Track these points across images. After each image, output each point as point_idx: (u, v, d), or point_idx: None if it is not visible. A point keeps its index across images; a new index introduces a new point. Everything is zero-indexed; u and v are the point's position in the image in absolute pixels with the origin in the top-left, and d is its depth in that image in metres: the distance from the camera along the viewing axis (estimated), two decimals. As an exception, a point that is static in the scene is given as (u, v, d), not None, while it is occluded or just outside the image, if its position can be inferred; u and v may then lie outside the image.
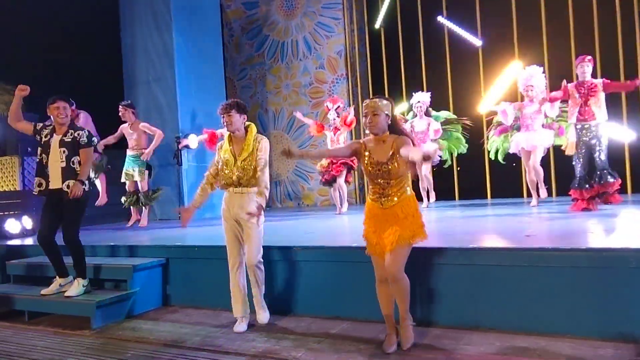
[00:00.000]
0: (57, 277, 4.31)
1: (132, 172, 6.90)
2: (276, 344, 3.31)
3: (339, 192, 7.39)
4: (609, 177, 5.30)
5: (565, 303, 3.07)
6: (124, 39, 9.08)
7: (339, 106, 7.43)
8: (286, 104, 10.36)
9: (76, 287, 4.17)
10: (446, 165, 7.56)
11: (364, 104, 3.07)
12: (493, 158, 6.96)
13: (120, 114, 6.94)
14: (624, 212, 5.20)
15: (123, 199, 7.06)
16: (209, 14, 9.64)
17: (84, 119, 6.70)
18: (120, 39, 9.11)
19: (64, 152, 4.13)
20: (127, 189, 7.02)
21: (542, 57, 8.34)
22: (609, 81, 5.52)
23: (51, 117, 4.22)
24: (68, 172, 4.11)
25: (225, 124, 3.65)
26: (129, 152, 6.99)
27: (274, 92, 10.49)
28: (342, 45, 9.88)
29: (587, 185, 5.38)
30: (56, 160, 4.13)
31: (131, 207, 7.05)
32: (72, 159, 4.14)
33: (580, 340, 2.96)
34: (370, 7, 10.05)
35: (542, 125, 6.24)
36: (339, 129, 7.26)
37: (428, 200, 7.43)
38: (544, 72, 6.36)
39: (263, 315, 3.71)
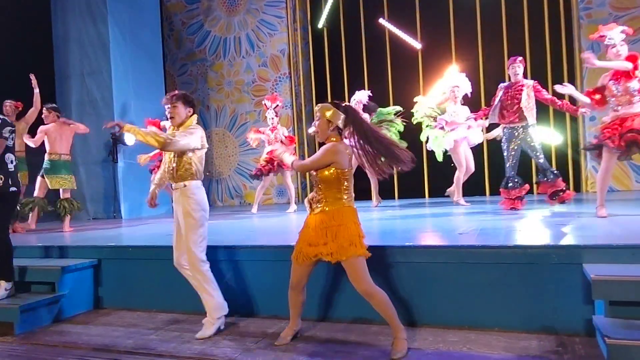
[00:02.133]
0: None
1: (66, 179, 6.21)
2: (212, 345, 3.25)
3: (287, 192, 7.55)
4: (552, 176, 5.39)
5: (493, 298, 3.21)
6: (56, 28, 8.65)
7: (277, 105, 7.46)
8: (228, 102, 10.23)
9: (-2, 291, 3.92)
10: None
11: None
12: (440, 159, 7.13)
13: (43, 116, 6.23)
14: (548, 211, 5.50)
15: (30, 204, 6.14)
16: (148, 6, 9.38)
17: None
18: (52, 28, 8.66)
19: None
20: (38, 194, 6.18)
21: (477, 61, 8.72)
22: (539, 88, 5.52)
23: None
24: None
25: (169, 115, 3.54)
26: (64, 157, 6.24)
27: (216, 89, 10.33)
28: (285, 43, 9.88)
29: (512, 185, 5.61)
30: None
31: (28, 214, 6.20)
32: None
33: (507, 333, 3.11)
34: (314, 6, 10.11)
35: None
36: (277, 128, 7.29)
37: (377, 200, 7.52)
38: (465, 74, 6.73)
39: (202, 330, 3.45)
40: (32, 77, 6.27)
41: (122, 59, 8.51)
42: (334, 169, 2.92)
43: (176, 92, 3.64)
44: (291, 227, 5.71)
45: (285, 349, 3.11)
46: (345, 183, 2.97)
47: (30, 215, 6.27)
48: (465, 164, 6.64)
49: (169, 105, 3.52)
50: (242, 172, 10.12)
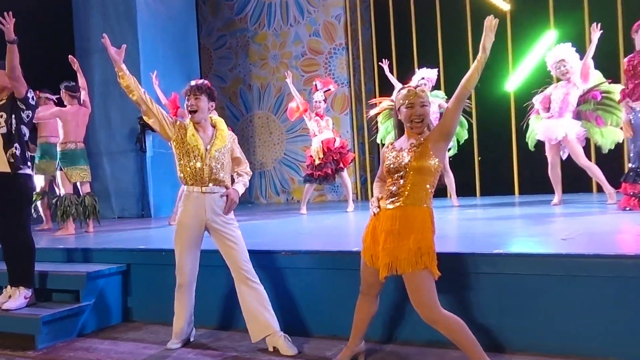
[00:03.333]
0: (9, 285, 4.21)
1: (86, 170, 6.39)
2: (260, 368, 3.31)
3: (344, 188, 7.72)
4: None
5: (608, 320, 3.08)
6: (75, -5, 8.99)
7: (329, 89, 7.50)
8: (274, 79, 10.33)
9: (17, 298, 4.12)
10: (451, 154, 7.44)
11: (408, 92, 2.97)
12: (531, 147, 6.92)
13: (61, 96, 6.38)
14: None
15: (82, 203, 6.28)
16: (179, -32, 9.57)
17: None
18: (71, -2, 9.02)
19: (1, 116, 4.06)
20: (67, 191, 6.26)
21: (582, 26, 8.34)
22: None
23: None
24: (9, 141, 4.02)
25: (190, 107, 3.59)
26: (80, 146, 6.32)
27: (259, 64, 10.46)
28: (341, 8, 9.86)
29: (632, 178, 5.38)
30: None
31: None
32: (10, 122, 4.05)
33: (626, 365, 2.99)
34: (376, -38, 10.03)
35: (578, 113, 6.28)
36: (324, 116, 7.35)
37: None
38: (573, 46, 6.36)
39: (288, 347, 3.49)
40: (72, 59, 6.25)
41: (151, 31, 8.74)
42: (438, 160, 2.89)
43: (201, 82, 3.69)
44: (350, 229, 5.72)
45: (347, 375, 3.11)
46: (435, 180, 2.95)
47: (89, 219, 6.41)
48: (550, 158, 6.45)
49: (192, 97, 3.57)
50: (290, 164, 10.21)
